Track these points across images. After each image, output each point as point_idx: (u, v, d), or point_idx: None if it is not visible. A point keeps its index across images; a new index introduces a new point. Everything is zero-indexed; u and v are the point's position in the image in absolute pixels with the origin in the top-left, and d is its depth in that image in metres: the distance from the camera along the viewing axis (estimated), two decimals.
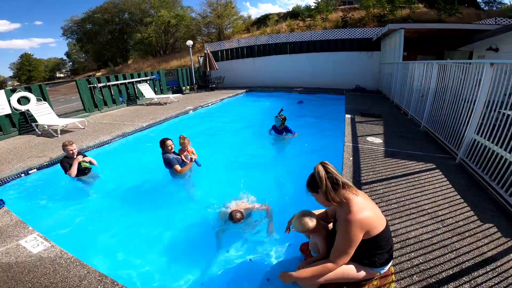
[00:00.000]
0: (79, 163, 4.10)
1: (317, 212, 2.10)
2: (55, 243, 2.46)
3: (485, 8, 22.74)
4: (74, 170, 4.00)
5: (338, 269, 1.68)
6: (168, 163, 4.05)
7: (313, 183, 1.67)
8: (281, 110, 6.26)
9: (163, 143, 4.10)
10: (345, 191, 1.64)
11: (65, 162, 4.09)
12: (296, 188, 3.89)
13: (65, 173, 4.05)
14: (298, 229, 1.91)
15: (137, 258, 2.65)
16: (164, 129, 7.26)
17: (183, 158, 4.24)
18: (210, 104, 10.35)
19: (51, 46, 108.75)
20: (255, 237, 2.87)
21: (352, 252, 1.61)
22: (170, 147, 4.11)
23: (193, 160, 4.24)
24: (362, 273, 1.72)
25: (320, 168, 1.65)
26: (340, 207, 1.69)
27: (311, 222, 1.86)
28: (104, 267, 2.42)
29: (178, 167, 4.05)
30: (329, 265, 1.65)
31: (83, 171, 4.20)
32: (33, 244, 2.47)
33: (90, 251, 2.70)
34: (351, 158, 4.04)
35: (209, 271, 2.43)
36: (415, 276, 1.89)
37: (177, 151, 4.34)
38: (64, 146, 4.11)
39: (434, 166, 3.72)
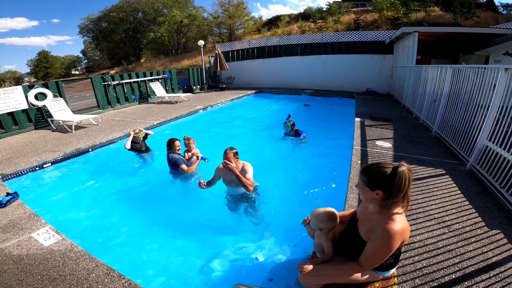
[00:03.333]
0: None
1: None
2: (66, 236, 2.53)
3: (503, 12, 22.08)
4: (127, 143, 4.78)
5: (342, 269, 1.71)
6: (175, 163, 4.11)
7: (376, 175, 1.52)
8: (289, 116, 6.29)
9: (172, 143, 4.18)
10: None
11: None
12: (302, 189, 3.92)
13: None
14: (324, 218, 1.85)
15: (143, 254, 2.72)
16: (174, 127, 7.39)
17: (188, 158, 4.32)
18: (220, 104, 10.44)
19: (67, 44, 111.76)
20: (257, 236, 2.91)
21: (385, 260, 1.59)
22: (178, 148, 4.20)
23: (200, 158, 4.30)
24: (366, 276, 1.74)
25: (407, 172, 1.47)
26: (379, 212, 1.58)
27: (337, 219, 1.87)
28: (112, 261, 2.49)
29: (185, 166, 4.10)
30: (357, 268, 1.64)
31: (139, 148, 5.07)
32: (45, 237, 2.53)
33: (100, 245, 2.78)
34: (359, 162, 4.03)
35: (212, 270, 2.47)
36: (417, 280, 1.89)
37: (182, 153, 4.40)
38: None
39: (444, 172, 3.68)
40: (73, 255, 2.28)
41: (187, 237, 2.97)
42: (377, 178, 1.52)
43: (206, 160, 4.37)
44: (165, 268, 2.53)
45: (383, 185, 1.50)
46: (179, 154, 4.29)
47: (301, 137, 5.89)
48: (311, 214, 1.93)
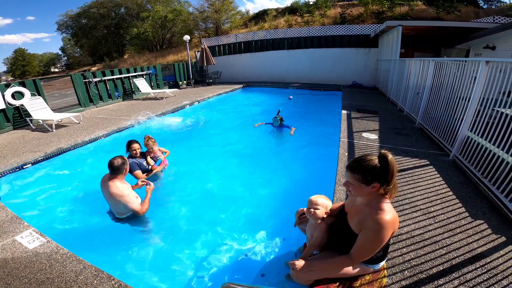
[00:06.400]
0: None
1: None
2: (51, 238, 2.46)
3: (484, 6, 22.69)
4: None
5: (333, 263, 1.71)
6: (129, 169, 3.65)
7: (369, 169, 1.51)
8: (279, 111, 6.28)
9: (128, 145, 3.78)
10: None
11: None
12: (289, 183, 3.92)
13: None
14: (322, 203, 1.85)
15: (132, 253, 2.66)
16: (160, 123, 7.24)
17: (149, 161, 3.97)
18: (207, 99, 10.33)
19: (45, 41, 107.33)
20: (249, 232, 2.89)
21: (376, 252, 1.59)
22: (135, 151, 3.78)
23: (155, 169, 3.96)
24: (357, 269, 1.75)
25: (393, 159, 1.50)
26: (368, 204, 1.59)
27: (329, 201, 1.87)
28: (100, 262, 2.42)
29: (139, 173, 3.69)
30: (348, 261, 1.64)
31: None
32: (29, 239, 2.46)
33: (86, 246, 2.70)
34: (346, 154, 4.06)
35: (203, 267, 2.44)
36: (406, 272, 1.92)
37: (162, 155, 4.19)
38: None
39: (428, 162, 3.76)
40: (60, 257, 2.21)
41: (176, 235, 2.92)
42: (370, 172, 1.51)
43: (158, 167, 4.02)
44: (154, 267, 2.47)
45: (378, 177, 1.51)
46: (140, 157, 3.92)
47: (288, 130, 5.95)
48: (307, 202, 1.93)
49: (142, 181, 3.24)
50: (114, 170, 2.92)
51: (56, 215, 3.30)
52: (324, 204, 1.86)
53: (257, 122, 6.74)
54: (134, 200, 2.96)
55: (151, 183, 3.24)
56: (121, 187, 2.94)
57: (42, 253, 2.26)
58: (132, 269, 2.45)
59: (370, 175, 1.51)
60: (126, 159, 3.06)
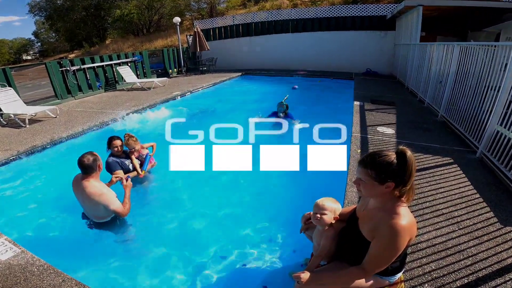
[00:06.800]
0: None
1: None
2: (26, 248, 2.45)
3: None
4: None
5: (344, 276, 1.71)
6: (108, 168, 3.66)
7: (384, 165, 1.49)
8: (286, 97, 6.32)
9: (109, 142, 3.76)
10: None
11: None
12: (294, 184, 3.92)
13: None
14: (330, 207, 1.83)
15: (117, 265, 2.66)
16: (148, 117, 7.25)
17: (135, 164, 3.92)
18: (200, 89, 10.32)
19: (15, 25, 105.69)
20: (248, 238, 2.90)
21: (391, 262, 1.57)
22: (117, 148, 3.74)
23: (142, 176, 3.93)
24: (370, 282, 1.74)
25: (412, 157, 1.47)
26: (382, 208, 1.56)
27: (338, 204, 1.85)
28: (81, 274, 2.43)
29: (120, 173, 3.62)
30: (360, 273, 1.62)
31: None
32: (1, 250, 2.45)
33: (65, 257, 2.69)
34: (359, 151, 4.07)
35: (199, 278, 2.45)
36: (426, 285, 1.93)
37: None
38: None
39: (452, 160, 3.76)
40: (36, 269, 2.21)
41: (168, 243, 2.92)
42: (386, 168, 1.49)
43: (142, 171, 3.96)
44: (145, 280, 2.48)
45: (394, 175, 1.49)
46: (124, 156, 3.90)
47: (293, 121, 5.98)
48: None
49: (116, 177, 3.23)
50: (86, 169, 2.88)
51: (31, 222, 3.29)
52: (332, 208, 1.85)
53: (260, 113, 6.79)
54: (115, 201, 2.93)
55: (128, 180, 3.20)
56: (99, 185, 2.93)
57: (16, 265, 2.25)
58: (117, 282, 2.45)
59: (384, 172, 1.50)
60: (97, 154, 3.01)
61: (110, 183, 3.22)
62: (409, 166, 1.47)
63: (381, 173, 1.50)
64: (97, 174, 2.98)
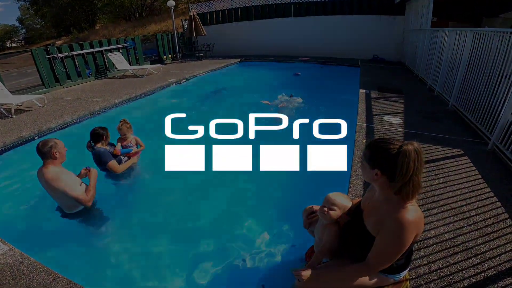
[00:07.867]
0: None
1: None
2: (14, 245, 2.45)
3: None
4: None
5: (347, 273, 1.72)
6: (99, 159, 3.68)
7: (380, 150, 1.50)
8: (291, 96, 6.56)
9: (100, 135, 3.78)
10: None
11: None
12: (295, 176, 3.91)
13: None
14: (341, 204, 1.82)
15: (111, 263, 2.67)
16: (142, 105, 7.23)
17: (117, 147, 3.98)
18: (197, 76, 10.33)
19: None
20: (246, 232, 2.92)
21: (396, 258, 1.58)
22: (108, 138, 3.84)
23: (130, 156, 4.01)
24: (374, 280, 1.75)
25: (413, 153, 1.41)
26: (387, 200, 1.56)
27: (350, 204, 1.84)
28: (72, 272, 2.43)
29: (114, 163, 3.70)
30: (364, 269, 1.63)
31: None
32: None
33: (55, 255, 2.70)
34: (364, 141, 4.06)
35: (196, 275, 2.46)
36: (433, 284, 1.94)
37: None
38: None
39: (462, 152, 3.76)
40: (25, 268, 2.21)
41: (162, 241, 2.92)
42: (379, 153, 1.50)
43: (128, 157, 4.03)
44: (139, 279, 2.48)
45: (383, 163, 1.49)
46: (111, 144, 3.95)
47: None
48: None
49: (85, 169, 3.26)
50: (42, 154, 2.93)
51: (19, 217, 3.30)
52: (342, 206, 1.83)
53: (265, 99, 6.81)
54: (75, 187, 2.95)
55: (91, 168, 3.26)
56: (57, 170, 2.94)
57: (5, 264, 2.26)
58: (111, 281, 2.46)
59: (376, 158, 1.51)
60: (57, 141, 3.02)
61: (80, 176, 3.25)
62: (403, 164, 1.42)
63: (373, 157, 1.53)
64: (56, 162, 2.99)
